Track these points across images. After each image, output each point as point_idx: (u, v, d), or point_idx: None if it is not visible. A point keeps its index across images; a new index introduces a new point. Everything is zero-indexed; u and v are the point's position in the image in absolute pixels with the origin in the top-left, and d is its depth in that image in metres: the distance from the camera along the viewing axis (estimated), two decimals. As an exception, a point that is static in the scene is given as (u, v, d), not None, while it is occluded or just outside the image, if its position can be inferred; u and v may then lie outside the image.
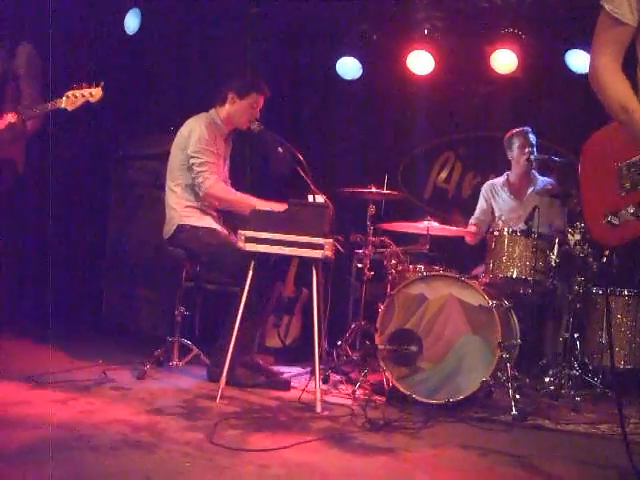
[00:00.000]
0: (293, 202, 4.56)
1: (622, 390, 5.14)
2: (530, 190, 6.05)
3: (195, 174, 5.04)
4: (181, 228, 5.09)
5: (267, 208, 4.71)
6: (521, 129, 6.04)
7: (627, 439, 3.15)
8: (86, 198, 7.03)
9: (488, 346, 4.57)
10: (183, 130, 5.22)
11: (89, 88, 4.61)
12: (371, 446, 3.63)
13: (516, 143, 6.03)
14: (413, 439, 3.84)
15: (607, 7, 2.80)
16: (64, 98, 4.58)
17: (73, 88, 4.60)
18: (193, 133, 5.11)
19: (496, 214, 6.16)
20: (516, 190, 6.15)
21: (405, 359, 4.71)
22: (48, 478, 2.76)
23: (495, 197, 6.22)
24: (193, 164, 5.05)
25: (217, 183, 5.05)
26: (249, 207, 4.82)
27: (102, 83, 4.61)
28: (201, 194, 5.06)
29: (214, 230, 5.10)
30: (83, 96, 4.60)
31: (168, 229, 5.17)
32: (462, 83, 7.48)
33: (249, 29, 7.19)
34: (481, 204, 6.33)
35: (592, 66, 2.89)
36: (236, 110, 5.26)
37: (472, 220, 6.32)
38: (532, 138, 5.99)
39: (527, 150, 5.94)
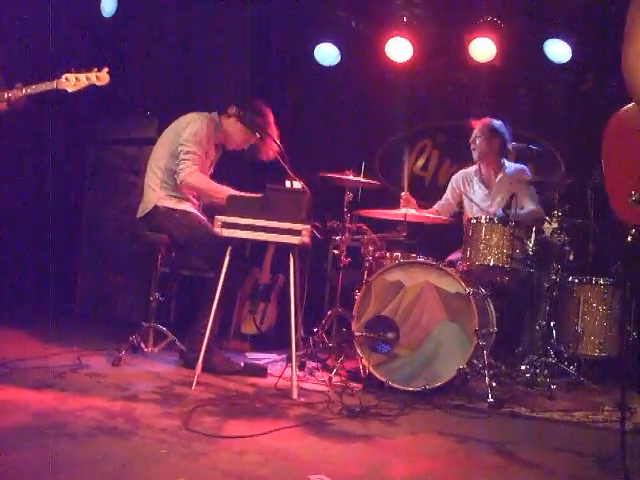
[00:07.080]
0: (270, 188, 4.53)
1: (597, 378, 5.19)
2: (499, 177, 6.03)
3: (179, 161, 5.02)
4: (157, 209, 5.06)
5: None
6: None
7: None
8: (62, 182, 6.93)
9: (465, 333, 4.59)
10: (182, 119, 5.22)
11: (90, 72, 4.47)
12: (348, 433, 3.62)
13: None
14: (390, 426, 3.84)
15: None
16: (63, 80, 4.42)
17: (71, 71, 4.44)
18: (192, 124, 5.12)
19: (469, 204, 6.13)
20: (486, 179, 6.12)
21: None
22: (22, 465, 2.72)
23: (467, 187, 6.18)
24: (180, 151, 5.03)
25: (195, 173, 5.02)
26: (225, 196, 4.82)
27: (106, 68, 4.49)
28: (178, 182, 5.02)
29: (190, 213, 5.07)
30: (88, 79, 4.45)
31: (143, 208, 5.13)
32: (440, 71, 7.48)
33: (227, 12, 7.14)
34: (447, 194, 6.32)
35: (625, 52, 2.72)
36: (234, 131, 5.31)
37: (435, 206, 6.31)
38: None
39: None
